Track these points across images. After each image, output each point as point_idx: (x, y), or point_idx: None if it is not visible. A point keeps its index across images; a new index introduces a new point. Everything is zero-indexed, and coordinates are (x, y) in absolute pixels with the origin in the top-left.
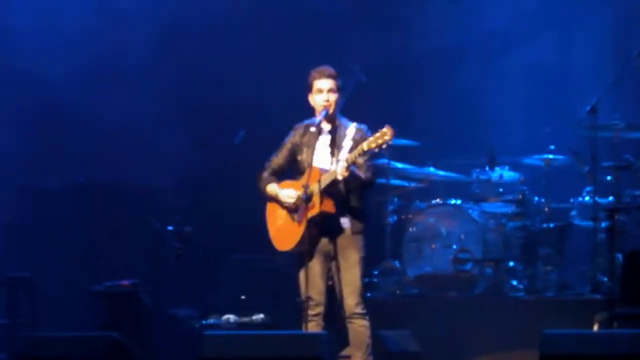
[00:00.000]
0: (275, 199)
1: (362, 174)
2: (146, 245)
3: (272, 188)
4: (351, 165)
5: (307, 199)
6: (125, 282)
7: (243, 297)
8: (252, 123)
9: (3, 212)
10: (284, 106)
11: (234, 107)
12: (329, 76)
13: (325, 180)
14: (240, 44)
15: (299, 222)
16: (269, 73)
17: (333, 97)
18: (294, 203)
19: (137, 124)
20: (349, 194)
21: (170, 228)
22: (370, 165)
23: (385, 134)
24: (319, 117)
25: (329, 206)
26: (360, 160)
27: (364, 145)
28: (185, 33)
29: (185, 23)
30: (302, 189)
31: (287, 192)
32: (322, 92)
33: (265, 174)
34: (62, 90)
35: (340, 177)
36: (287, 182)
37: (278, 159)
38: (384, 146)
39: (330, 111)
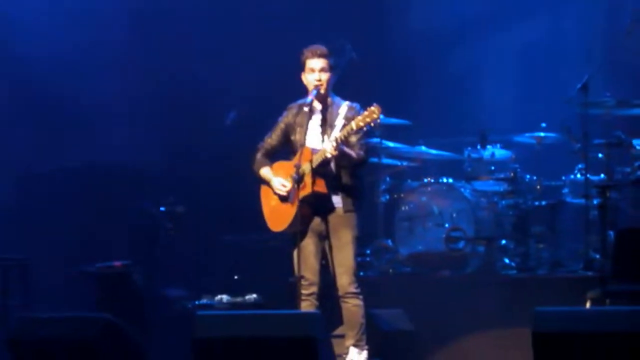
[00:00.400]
0: (268, 184)
1: (353, 152)
2: (139, 226)
3: (266, 173)
4: (341, 143)
5: (299, 179)
6: (117, 263)
7: (236, 277)
8: (244, 103)
9: None
10: (276, 85)
11: (225, 87)
12: (321, 55)
13: (317, 159)
14: (231, 20)
15: (292, 203)
16: (261, 51)
17: (325, 76)
18: (286, 192)
19: (129, 105)
20: (341, 173)
21: (162, 209)
22: (362, 144)
23: (374, 112)
24: (310, 97)
25: (321, 186)
26: (353, 139)
27: (353, 124)
28: (174, 10)
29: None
30: (294, 169)
31: (280, 182)
32: (314, 72)
33: (259, 156)
34: (52, 73)
35: (329, 155)
36: (280, 163)
37: (271, 140)
38: (372, 124)
39: (322, 90)
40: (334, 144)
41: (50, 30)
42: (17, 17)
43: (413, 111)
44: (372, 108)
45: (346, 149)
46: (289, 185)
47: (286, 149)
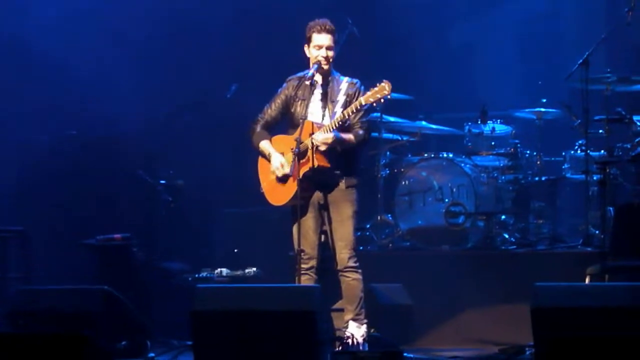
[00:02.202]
0: (267, 157)
1: (351, 135)
2: (139, 199)
3: (266, 146)
4: (346, 120)
5: (300, 153)
6: (117, 236)
7: (236, 250)
8: (244, 76)
9: None
10: (276, 58)
11: (226, 59)
12: (329, 31)
13: (318, 135)
14: None
15: (292, 177)
16: (261, 25)
17: (331, 53)
18: (282, 175)
19: (130, 77)
20: (343, 148)
21: (162, 182)
22: (363, 122)
23: (384, 88)
24: (311, 70)
25: (323, 160)
26: (354, 118)
27: (362, 100)
28: None
29: None
30: (295, 143)
31: (279, 160)
32: (321, 49)
33: (258, 128)
34: (50, 45)
35: (323, 148)
36: (280, 136)
37: (271, 111)
38: (381, 101)
39: (326, 67)
40: (322, 140)
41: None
42: None
43: (413, 86)
44: (383, 84)
45: (343, 136)
46: (287, 167)
47: (284, 121)
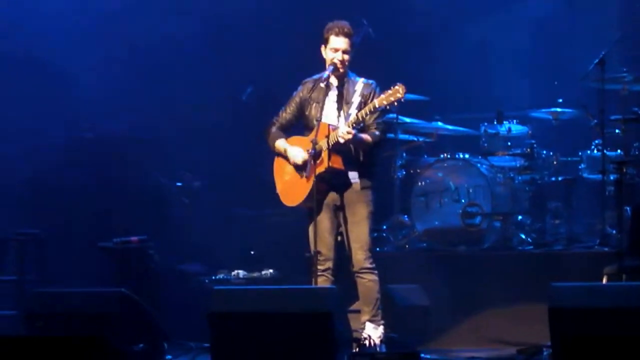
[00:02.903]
0: (283, 155)
1: (368, 135)
2: (155, 201)
3: (281, 144)
4: (360, 122)
5: (315, 154)
6: (134, 238)
7: (252, 252)
8: (260, 78)
9: (11, 169)
10: (292, 61)
11: (240, 62)
12: (347, 35)
13: (332, 139)
14: None
15: (307, 178)
16: (277, 26)
17: (347, 57)
18: (301, 162)
19: (146, 80)
20: (358, 149)
21: (179, 184)
22: (379, 123)
23: (397, 91)
24: (327, 72)
25: (338, 162)
26: (369, 119)
27: (376, 102)
28: None
29: None
30: (311, 145)
31: (295, 151)
32: (338, 52)
33: (274, 129)
34: (63, 45)
35: (342, 141)
36: (295, 137)
37: (286, 114)
38: (395, 104)
39: (342, 70)
40: (346, 131)
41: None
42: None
43: (429, 87)
44: (397, 87)
45: (361, 136)
46: (303, 154)
47: (300, 124)
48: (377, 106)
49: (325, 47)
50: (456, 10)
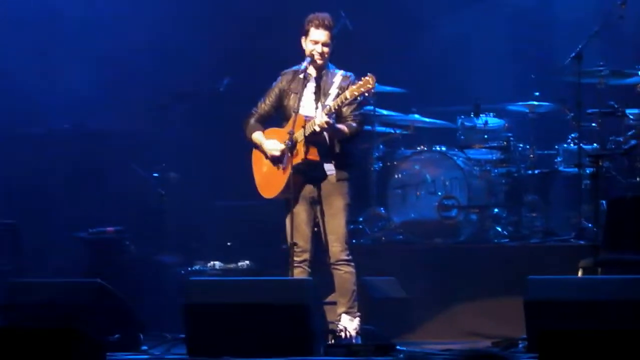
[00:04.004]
0: (259, 148)
1: (345, 126)
2: (131, 192)
3: (257, 136)
4: (333, 113)
5: (291, 146)
6: (110, 229)
7: (229, 243)
8: (238, 69)
9: None
10: (271, 51)
11: (219, 51)
12: (327, 27)
13: (309, 128)
14: None
15: (284, 170)
16: (254, 16)
17: (327, 49)
18: (278, 155)
19: (121, 70)
20: (334, 141)
21: (155, 174)
22: (356, 115)
23: (368, 82)
24: (304, 63)
25: (313, 154)
26: (346, 110)
27: (347, 94)
28: None
29: None
30: (288, 136)
31: (272, 144)
32: (317, 44)
33: (252, 121)
34: (38, 37)
35: (317, 129)
36: (273, 129)
37: (265, 105)
38: (367, 94)
39: (321, 62)
40: (323, 120)
41: None
42: None
43: (406, 80)
44: (367, 78)
45: (337, 126)
46: (279, 147)
47: (279, 116)
48: (348, 97)
49: (306, 38)
50: (434, 3)
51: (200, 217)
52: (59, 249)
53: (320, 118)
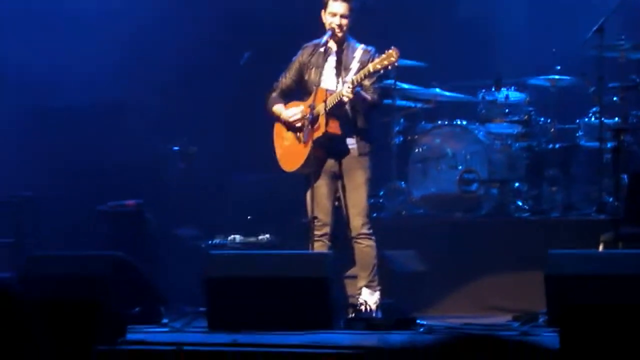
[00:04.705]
0: (280, 120)
1: (368, 95)
2: (151, 165)
3: (278, 108)
4: (357, 86)
5: (313, 119)
6: (130, 202)
7: (249, 217)
8: (259, 43)
9: (7, 131)
10: (292, 25)
11: (240, 25)
12: (346, 1)
13: (331, 101)
14: None
15: (305, 143)
16: None
17: (345, 21)
18: (298, 120)
19: (141, 42)
20: (355, 115)
21: (175, 148)
22: (376, 87)
23: (391, 55)
24: (325, 37)
25: (335, 127)
26: (367, 82)
27: (370, 67)
28: None
29: None
30: (309, 110)
31: (291, 111)
32: (335, 16)
33: (274, 95)
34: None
35: (345, 99)
36: (294, 102)
37: (286, 79)
38: (389, 68)
39: (340, 35)
40: (350, 87)
41: None
42: None
43: (427, 53)
44: (390, 51)
45: (361, 92)
46: (299, 112)
47: (300, 90)
48: (371, 70)
49: (325, 11)
50: None
51: (220, 190)
52: (79, 222)
53: (346, 90)
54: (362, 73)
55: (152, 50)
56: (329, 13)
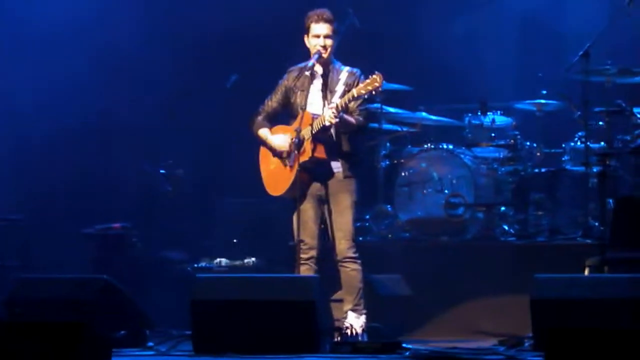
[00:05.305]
0: (266, 144)
1: (353, 118)
2: (138, 188)
3: (264, 133)
4: (341, 111)
5: (298, 143)
6: (116, 225)
7: (235, 240)
8: (245, 66)
9: None
10: (278, 47)
11: (226, 49)
12: (327, 20)
13: (316, 125)
14: None
15: (291, 167)
16: (263, 15)
17: (329, 42)
18: (284, 149)
19: (129, 65)
20: (341, 138)
21: (162, 171)
22: (362, 110)
23: (375, 80)
24: (312, 60)
25: (321, 151)
26: (352, 105)
27: (354, 92)
28: None
29: None
30: (294, 134)
31: (279, 140)
32: (319, 37)
33: (259, 118)
34: (47, 38)
35: (328, 124)
36: (280, 127)
37: (272, 102)
38: (374, 92)
39: (325, 56)
40: (334, 112)
41: None
42: None
43: (414, 76)
44: (375, 76)
45: (345, 117)
46: (287, 143)
47: (286, 113)
48: (355, 95)
49: (308, 35)
50: (441, 1)
51: (206, 213)
52: (65, 245)
53: (328, 112)
54: (346, 97)
55: (138, 72)
56: (313, 36)
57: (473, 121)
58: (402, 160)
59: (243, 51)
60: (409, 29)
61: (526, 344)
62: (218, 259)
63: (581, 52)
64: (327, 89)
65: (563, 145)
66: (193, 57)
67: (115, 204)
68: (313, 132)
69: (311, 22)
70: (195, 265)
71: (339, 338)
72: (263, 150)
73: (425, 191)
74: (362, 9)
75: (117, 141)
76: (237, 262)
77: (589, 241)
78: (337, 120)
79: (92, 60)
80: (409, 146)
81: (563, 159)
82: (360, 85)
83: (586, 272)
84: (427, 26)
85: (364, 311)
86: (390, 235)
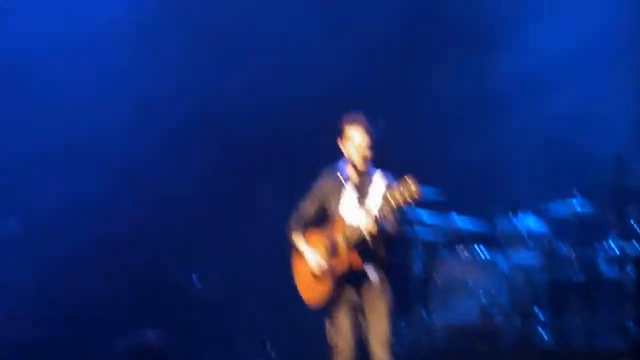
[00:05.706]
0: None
1: (390, 226)
2: (169, 294)
3: (299, 242)
4: (380, 221)
5: (333, 251)
6: (150, 336)
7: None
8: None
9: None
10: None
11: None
12: (365, 129)
13: (353, 235)
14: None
15: (326, 278)
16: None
17: (368, 153)
18: (317, 272)
19: (152, 161)
20: (376, 245)
21: (194, 277)
22: (397, 216)
23: (410, 187)
24: (347, 170)
25: (357, 260)
26: (387, 210)
27: (392, 202)
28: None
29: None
30: (329, 242)
31: (314, 260)
32: (357, 146)
33: (294, 223)
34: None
35: (368, 238)
36: (314, 232)
37: (306, 207)
38: (410, 199)
39: (362, 169)
40: (373, 224)
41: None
42: None
43: (445, 180)
44: (409, 183)
45: (384, 226)
46: (324, 265)
47: (320, 216)
48: (393, 206)
49: (342, 139)
50: (468, 103)
51: (239, 317)
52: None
53: (368, 226)
54: (384, 209)
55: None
56: (349, 141)
57: (505, 224)
58: (436, 265)
59: (273, 155)
60: (437, 131)
61: None
62: None
63: (613, 154)
64: (361, 195)
65: (597, 247)
66: (215, 168)
67: (146, 312)
68: (349, 241)
69: (350, 130)
70: None
71: None
72: (296, 254)
73: (460, 297)
74: (390, 111)
75: (147, 246)
76: None
77: (626, 346)
78: (374, 232)
79: (117, 173)
80: (442, 250)
81: (598, 261)
82: (397, 194)
83: None
84: (455, 127)
85: None
86: (424, 340)
